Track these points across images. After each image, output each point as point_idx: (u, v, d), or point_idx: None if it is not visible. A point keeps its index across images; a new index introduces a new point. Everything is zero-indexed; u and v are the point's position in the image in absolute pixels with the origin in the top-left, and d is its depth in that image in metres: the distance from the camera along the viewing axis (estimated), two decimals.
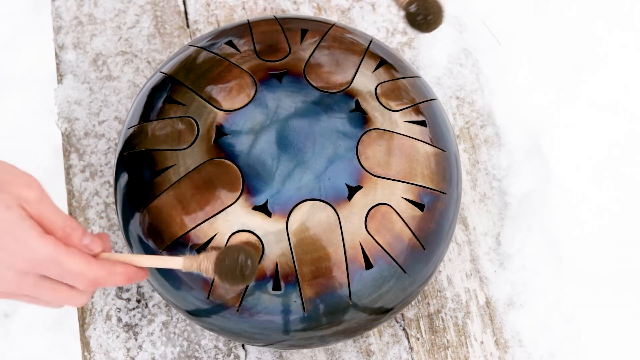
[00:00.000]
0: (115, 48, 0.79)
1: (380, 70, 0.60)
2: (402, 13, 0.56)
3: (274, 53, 0.59)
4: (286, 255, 0.53)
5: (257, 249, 0.53)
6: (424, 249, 0.56)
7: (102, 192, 0.72)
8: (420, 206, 0.55)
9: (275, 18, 0.63)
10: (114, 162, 0.64)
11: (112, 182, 0.72)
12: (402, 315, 0.69)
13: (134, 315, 0.68)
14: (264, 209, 0.53)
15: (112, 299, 0.68)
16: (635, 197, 0.77)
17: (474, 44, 0.82)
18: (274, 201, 0.53)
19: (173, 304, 0.58)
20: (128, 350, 0.67)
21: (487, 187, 0.75)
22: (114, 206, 0.68)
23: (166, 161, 0.56)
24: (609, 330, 0.72)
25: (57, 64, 0.79)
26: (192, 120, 0.56)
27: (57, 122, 0.76)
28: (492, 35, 0.83)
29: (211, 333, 0.67)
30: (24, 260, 0.44)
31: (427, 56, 0.80)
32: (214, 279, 0.53)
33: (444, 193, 0.57)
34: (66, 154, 0.74)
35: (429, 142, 0.58)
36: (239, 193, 0.54)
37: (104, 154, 0.74)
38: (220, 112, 0.57)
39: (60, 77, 0.78)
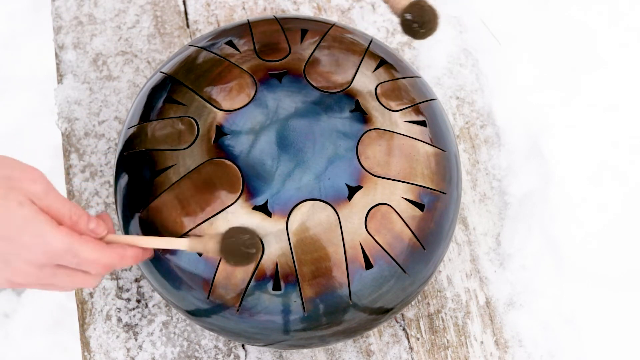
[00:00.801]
0: (115, 48, 0.79)
1: (380, 70, 0.60)
2: (398, 20, 0.56)
3: (274, 53, 0.59)
4: (286, 255, 0.53)
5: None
6: (424, 249, 0.56)
7: (102, 192, 0.72)
8: (420, 206, 0.55)
9: (275, 18, 0.63)
10: (114, 162, 0.64)
11: (112, 182, 0.72)
12: (402, 315, 0.69)
13: (134, 315, 0.68)
14: (264, 209, 0.53)
15: (112, 299, 0.68)
16: (635, 197, 0.77)
17: (474, 44, 0.82)
18: (274, 201, 0.53)
19: (173, 304, 0.58)
20: (128, 350, 0.67)
21: (487, 187, 0.75)
22: (114, 206, 0.68)
23: (166, 161, 0.56)
24: (609, 330, 0.72)
25: (57, 64, 0.79)
26: (192, 120, 0.56)
27: (57, 122, 0.76)
28: (492, 35, 0.83)
29: (211, 333, 0.67)
30: (42, 254, 0.46)
31: (427, 56, 0.80)
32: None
33: (444, 193, 0.57)
34: (66, 154, 0.74)
35: (429, 142, 0.58)
36: (239, 193, 0.54)
37: (104, 154, 0.74)
38: (220, 112, 0.57)
39: (60, 77, 0.78)
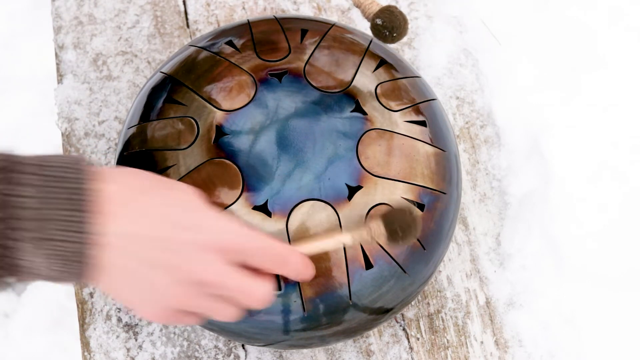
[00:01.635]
0: (115, 48, 0.79)
1: (380, 70, 0.60)
2: (369, 24, 0.57)
3: (274, 53, 0.59)
4: None
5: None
6: (424, 249, 0.56)
7: None
8: (420, 206, 0.55)
9: (275, 18, 0.63)
10: (114, 162, 0.64)
11: None
12: (402, 315, 0.69)
13: (134, 315, 0.68)
14: (264, 208, 0.53)
15: (112, 299, 0.68)
16: (635, 197, 0.77)
17: (474, 44, 0.82)
18: (274, 201, 0.53)
19: None
20: (128, 350, 0.67)
21: (487, 187, 0.75)
22: None
23: (166, 161, 0.56)
24: (609, 330, 0.71)
25: (57, 64, 0.79)
26: (192, 120, 0.56)
27: (57, 122, 0.76)
28: (492, 35, 0.83)
29: (211, 333, 0.67)
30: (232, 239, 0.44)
31: (427, 56, 0.80)
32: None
33: (444, 193, 0.57)
34: (66, 154, 0.74)
35: (429, 142, 0.58)
36: (239, 193, 0.54)
37: (104, 154, 0.74)
38: (220, 112, 0.57)
39: (60, 77, 0.78)
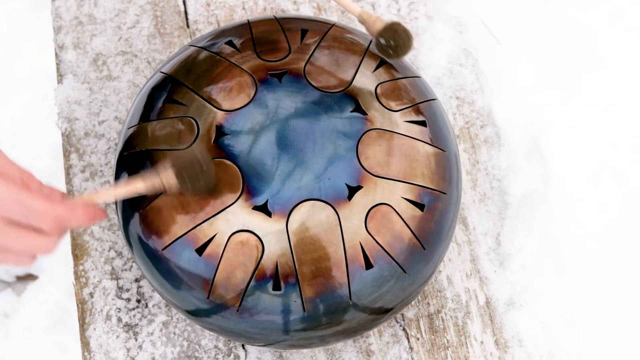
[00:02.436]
0: (115, 48, 0.79)
1: (380, 70, 0.60)
2: (373, 40, 0.58)
3: (274, 53, 0.59)
4: (286, 255, 0.53)
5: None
6: (424, 249, 0.56)
7: None
8: (420, 206, 0.55)
9: (275, 18, 0.63)
10: (114, 162, 0.64)
11: (112, 182, 0.72)
12: (402, 315, 0.69)
13: (134, 315, 0.68)
14: (264, 209, 0.53)
15: (112, 299, 0.68)
16: (635, 197, 0.77)
17: (474, 44, 0.82)
18: (274, 201, 0.53)
19: (173, 304, 0.58)
20: (128, 350, 0.67)
21: (487, 187, 0.75)
22: (114, 206, 0.68)
23: (166, 161, 0.56)
24: (609, 330, 0.71)
25: (57, 64, 0.79)
26: (192, 120, 0.56)
27: (57, 122, 0.76)
28: (492, 35, 0.83)
29: (211, 333, 0.67)
30: None
31: (427, 56, 0.80)
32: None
33: (444, 193, 0.57)
34: (66, 154, 0.74)
35: (429, 142, 0.58)
36: (239, 193, 0.54)
37: (104, 154, 0.74)
38: (220, 112, 0.57)
39: (60, 77, 0.78)
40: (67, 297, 1.13)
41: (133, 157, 0.58)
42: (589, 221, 0.76)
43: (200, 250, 0.53)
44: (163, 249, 0.54)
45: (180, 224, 0.54)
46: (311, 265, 0.53)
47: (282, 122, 0.56)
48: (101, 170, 0.73)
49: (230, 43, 0.61)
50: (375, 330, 0.68)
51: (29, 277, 1.19)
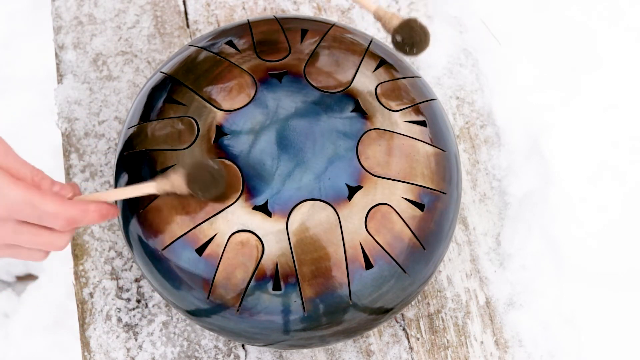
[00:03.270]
0: (115, 48, 0.79)
1: (381, 70, 0.60)
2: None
3: (274, 53, 0.59)
4: (286, 255, 0.53)
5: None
6: (424, 249, 0.56)
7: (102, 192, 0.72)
8: (420, 206, 0.55)
9: (275, 18, 0.63)
10: (114, 162, 0.64)
11: (112, 182, 0.72)
12: (402, 315, 0.69)
13: (134, 315, 0.68)
14: (264, 209, 0.53)
15: (112, 299, 0.68)
16: (635, 197, 0.77)
17: (474, 44, 0.82)
18: (274, 201, 0.53)
19: (173, 304, 0.58)
20: (128, 350, 0.67)
21: (487, 187, 0.75)
22: None
23: (166, 161, 0.56)
24: (609, 330, 0.71)
25: (57, 64, 0.79)
26: (192, 120, 0.56)
27: (57, 122, 0.76)
28: (492, 35, 0.83)
29: (211, 333, 0.67)
30: (0, 207, 0.46)
31: (427, 56, 0.80)
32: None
33: (444, 193, 0.57)
34: (66, 154, 0.74)
35: (429, 142, 0.58)
36: (239, 193, 0.54)
37: (104, 154, 0.74)
38: (220, 112, 0.57)
39: (60, 77, 0.78)
40: (67, 297, 1.13)
41: (133, 157, 0.58)
42: (589, 221, 0.76)
43: (200, 250, 0.53)
44: (163, 249, 0.54)
45: (180, 224, 0.54)
46: (311, 265, 0.53)
47: (282, 122, 0.56)
48: (101, 170, 0.73)
49: (230, 43, 0.61)
50: (375, 330, 0.68)
51: (29, 277, 1.19)
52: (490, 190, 0.75)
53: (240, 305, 0.54)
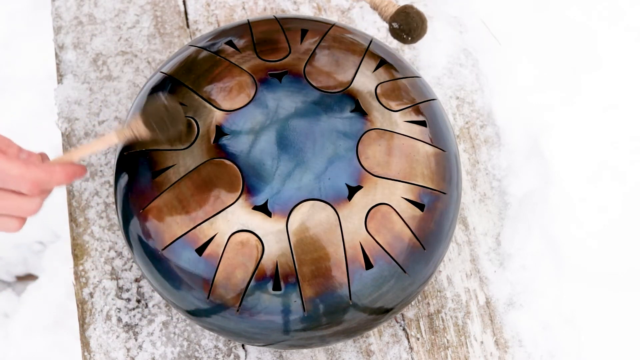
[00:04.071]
0: (115, 48, 0.79)
1: (380, 70, 0.60)
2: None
3: (274, 53, 0.59)
4: (286, 255, 0.53)
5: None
6: (424, 249, 0.56)
7: (102, 192, 0.72)
8: (420, 206, 0.55)
9: (275, 18, 0.63)
10: (114, 162, 0.64)
11: (112, 182, 0.73)
12: (402, 315, 0.69)
13: (134, 315, 0.68)
14: (264, 209, 0.53)
15: (112, 299, 0.68)
16: (635, 197, 0.77)
17: (474, 44, 0.82)
18: (274, 201, 0.53)
19: (173, 304, 0.58)
20: (128, 350, 0.67)
21: (487, 187, 0.75)
22: (114, 206, 0.68)
23: (166, 161, 0.56)
24: (609, 330, 0.72)
25: (57, 64, 0.79)
26: (192, 120, 0.56)
27: (57, 122, 0.76)
28: (492, 35, 0.83)
29: (211, 333, 0.67)
30: None
31: (427, 56, 0.80)
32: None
33: (444, 193, 0.57)
34: None
35: (429, 142, 0.58)
36: (239, 193, 0.54)
37: (104, 154, 0.74)
38: (220, 112, 0.57)
39: (60, 77, 0.78)
40: (67, 297, 1.13)
41: (133, 157, 0.58)
42: (589, 221, 0.76)
43: (200, 250, 0.53)
44: (163, 249, 0.54)
45: (180, 224, 0.54)
46: (311, 265, 0.53)
47: (282, 122, 0.56)
48: (101, 170, 0.73)
49: (230, 43, 0.61)
50: (375, 330, 0.68)
51: (29, 277, 1.19)
52: (490, 190, 0.75)
53: (240, 305, 0.54)
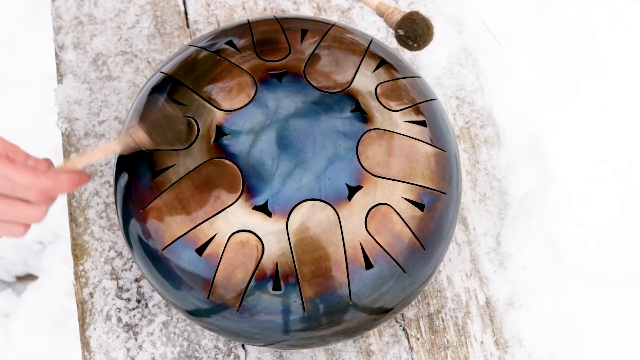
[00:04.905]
0: (115, 48, 0.79)
1: (380, 70, 0.60)
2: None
3: (274, 53, 0.59)
4: (286, 255, 0.53)
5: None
6: (424, 249, 0.56)
7: (102, 192, 0.72)
8: (420, 206, 0.55)
9: (275, 18, 0.63)
10: (114, 162, 0.64)
11: (112, 182, 0.73)
12: (402, 315, 0.69)
13: (134, 315, 0.68)
14: (264, 209, 0.53)
15: (112, 299, 0.68)
16: (635, 197, 0.77)
17: (474, 44, 0.82)
18: (274, 201, 0.53)
19: (173, 304, 0.58)
20: (128, 350, 0.67)
21: (487, 187, 0.75)
22: (114, 206, 0.68)
23: (166, 161, 0.56)
24: (609, 330, 0.71)
25: (57, 64, 0.79)
26: (192, 120, 0.56)
27: (57, 122, 0.76)
28: (492, 35, 0.83)
29: (211, 333, 0.67)
30: None
31: (427, 56, 0.80)
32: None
33: (444, 193, 0.57)
34: (66, 154, 0.74)
35: (429, 142, 0.58)
36: (239, 193, 0.54)
37: None
38: (220, 112, 0.57)
39: (60, 77, 0.78)
40: (67, 297, 1.13)
41: (133, 158, 0.58)
42: (589, 221, 0.76)
43: (200, 250, 0.53)
44: (163, 249, 0.55)
45: (180, 224, 0.54)
46: (311, 265, 0.53)
47: (282, 122, 0.56)
48: (101, 170, 0.73)
49: (230, 43, 0.61)
50: (375, 330, 0.68)
51: (29, 277, 1.19)
52: (490, 190, 0.75)
53: (240, 305, 0.54)
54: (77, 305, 0.69)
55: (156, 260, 0.55)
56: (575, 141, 0.79)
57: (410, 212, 0.55)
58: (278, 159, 0.54)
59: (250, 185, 0.54)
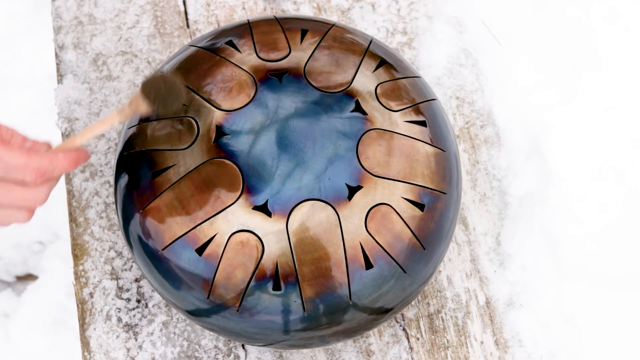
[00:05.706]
0: (115, 48, 0.79)
1: (380, 70, 0.60)
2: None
3: (274, 53, 0.59)
4: (286, 255, 0.53)
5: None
6: (424, 249, 0.56)
7: (102, 192, 0.72)
8: (420, 206, 0.55)
9: (275, 18, 0.63)
10: (114, 162, 0.64)
11: (112, 182, 0.73)
12: (402, 315, 0.69)
13: (134, 315, 0.68)
14: (264, 208, 0.53)
15: (112, 299, 0.68)
16: (635, 197, 0.77)
17: (474, 44, 0.82)
18: (274, 201, 0.53)
19: (173, 304, 0.58)
20: (128, 350, 0.67)
21: (487, 187, 0.75)
22: (114, 206, 0.68)
23: (166, 161, 0.56)
24: (609, 330, 0.71)
25: (57, 64, 0.79)
26: (192, 120, 0.57)
27: (57, 122, 0.76)
28: (492, 35, 0.83)
29: (211, 333, 0.67)
30: None
31: (427, 56, 0.80)
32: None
33: (444, 193, 0.57)
34: None
35: (429, 142, 0.58)
36: (239, 193, 0.54)
37: (104, 154, 0.74)
38: (220, 112, 0.57)
39: (60, 77, 0.78)
40: (67, 297, 1.13)
41: (133, 157, 0.58)
42: (589, 221, 0.76)
43: (200, 250, 0.53)
44: (163, 249, 0.55)
45: (180, 224, 0.54)
46: (311, 265, 0.53)
47: (282, 122, 0.56)
48: (101, 170, 0.73)
49: (230, 43, 0.61)
50: (375, 330, 0.68)
51: (29, 277, 1.19)
52: (490, 190, 0.75)
53: (240, 305, 0.54)
54: (77, 305, 0.69)
55: (156, 260, 0.55)
56: (575, 141, 0.79)
57: (410, 212, 0.55)
58: (278, 159, 0.54)
59: (250, 185, 0.54)
